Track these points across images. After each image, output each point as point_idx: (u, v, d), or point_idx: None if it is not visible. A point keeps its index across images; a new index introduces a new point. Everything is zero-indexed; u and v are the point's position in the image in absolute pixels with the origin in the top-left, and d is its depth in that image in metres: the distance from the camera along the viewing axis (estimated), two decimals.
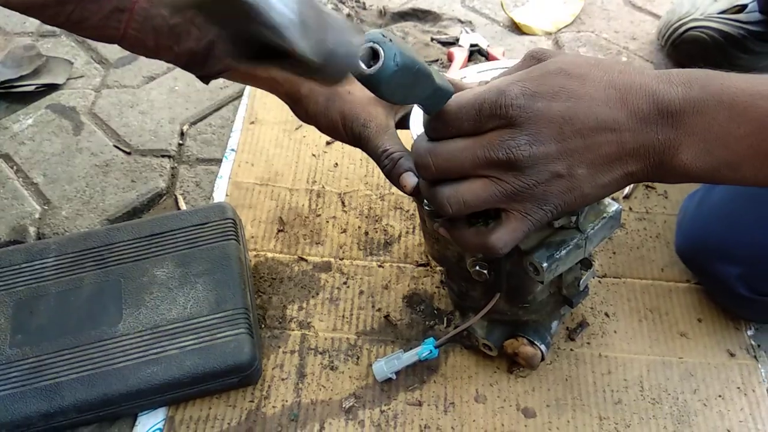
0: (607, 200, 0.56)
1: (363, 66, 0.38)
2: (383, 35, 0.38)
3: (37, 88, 1.00)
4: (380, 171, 0.59)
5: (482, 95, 0.44)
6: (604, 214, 0.55)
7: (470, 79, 0.61)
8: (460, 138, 0.45)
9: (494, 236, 0.46)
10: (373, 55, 0.37)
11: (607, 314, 0.73)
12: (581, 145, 0.43)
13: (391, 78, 0.38)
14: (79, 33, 0.60)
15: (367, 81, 0.38)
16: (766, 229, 0.64)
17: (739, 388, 0.67)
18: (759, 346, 0.71)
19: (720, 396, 0.67)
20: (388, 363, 0.66)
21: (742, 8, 0.95)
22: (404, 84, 0.39)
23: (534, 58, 0.48)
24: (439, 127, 0.45)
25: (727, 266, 0.66)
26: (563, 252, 0.53)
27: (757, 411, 0.66)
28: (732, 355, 0.70)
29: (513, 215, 0.46)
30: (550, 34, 1.07)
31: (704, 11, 0.96)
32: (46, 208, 0.86)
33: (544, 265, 0.53)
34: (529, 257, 0.54)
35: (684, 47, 0.97)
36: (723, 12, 0.95)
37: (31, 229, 0.83)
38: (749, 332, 0.71)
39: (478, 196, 0.45)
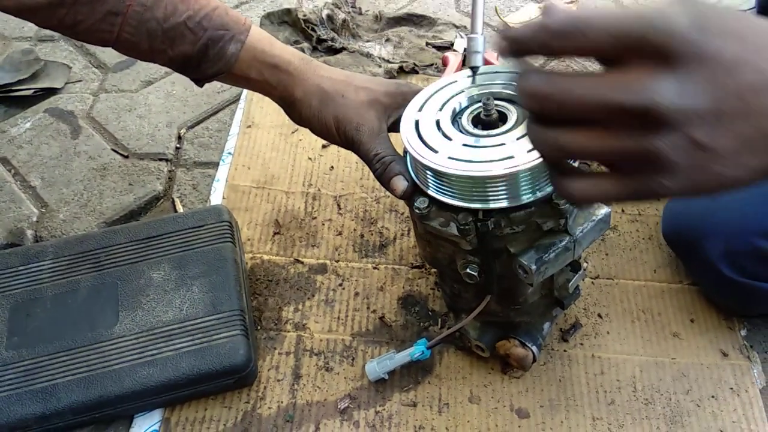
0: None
1: None
2: None
3: (35, 92, 1.00)
4: None
5: (633, 14, 0.33)
6: (594, 217, 0.56)
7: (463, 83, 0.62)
8: (587, 74, 0.35)
9: (579, 184, 0.37)
10: None
11: (600, 315, 0.73)
12: (739, 110, 0.33)
13: None
14: (73, 36, 0.60)
15: None
16: (746, 204, 0.64)
17: (731, 388, 0.67)
18: (752, 346, 0.71)
19: (713, 396, 0.67)
20: (380, 363, 0.67)
21: None
22: None
23: None
24: (567, 41, 0.34)
25: (710, 242, 0.66)
26: (552, 254, 0.54)
27: (750, 411, 0.66)
28: (725, 355, 0.70)
29: (616, 174, 0.36)
30: None
31: None
32: (43, 211, 0.86)
33: (533, 267, 0.53)
34: (518, 259, 0.54)
35: None
36: None
37: (29, 232, 0.83)
38: (742, 332, 0.72)
39: (584, 147, 0.35)
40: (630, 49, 0.33)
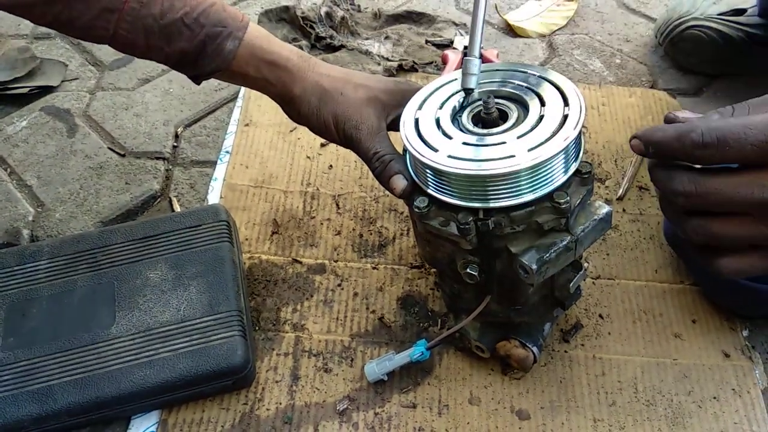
0: (598, 202, 0.56)
1: None
2: None
3: (31, 90, 1.00)
4: None
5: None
6: (595, 216, 0.55)
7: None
8: (730, 171, 0.41)
9: (726, 260, 0.44)
10: None
11: (601, 316, 0.73)
12: None
13: None
14: (68, 33, 0.60)
15: None
16: None
17: (734, 389, 0.67)
18: (754, 347, 0.70)
19: (715, 397, 0.66)
20: (379, 364, 0.66)
21: (741, 11, 0.95)
22: None
23: None
24: (712, 153, 0.41)
25: None
26: (553, 254, 0.53)
27: (752, 413, 0.65)
28: (727, 356, 0.69)
29: (758, 252, 0.43)
30: (544, 36, 1.07)
31: (704, 12, 0.96)
32: (39, 210, 0.85)
33: (534, 267, 0.52)
34: (519, 259, 0.53)
35: (682, 45, 0.97)
36: (722, 14, 0.95)
37: (25, 232, 0.83)
38: (744, 333, 0.71)
39: (729, 232, 0.43)
40: None
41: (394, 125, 0.62)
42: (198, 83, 0.65)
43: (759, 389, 0.67)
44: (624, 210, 0.82)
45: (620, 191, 0.83)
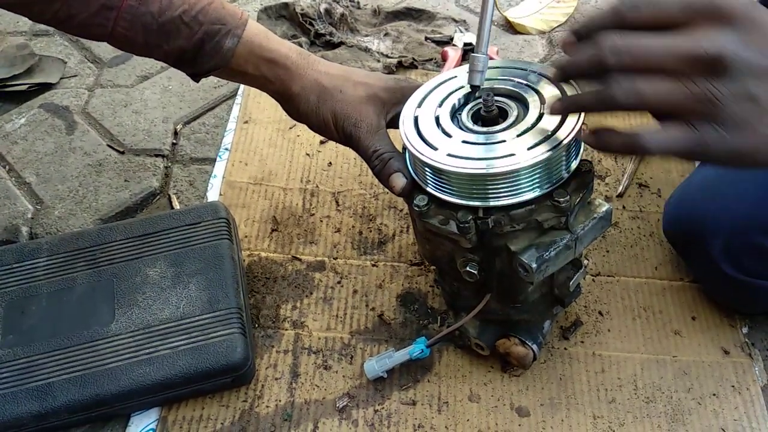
0: (598, 200, 0.56)
1: None
2: None
3: (30, 87, 0.99)
4: None
5: None
6: (595, 215, 0.55)
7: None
8: (659, 31, 0.41)
9: (650, 135, 0.42)
10: None
11: (600, 313, 0.73)
12: None
13: None
14: (67, 30, 0.60)
15: None
16: (747, 201, 0.64)
17: (733, 386, 0.67)
18: (753, 344, 0.71)
19: (714, 394, 0.67)
20: (379, 362, 0.66)
21: None
22: None
23: None
24: (641, 11, 0.42)
25: (711, 240, 0.65)
26: (553, 252, 0.53)
27: (751, 409, 0.65)
28: (726, 353, 0.70)
29: (679, 124, 0.41)
30: (544, 33, 1.06)
31: None
32: (38, 207, 0.85)
33: (534, 265, 0.53)
34: (518, 257, 0.53)
35: None
36: None
37: (24, 229, 0.83)
38: (744, 330, 0.71)
39: (658, 92, 0.41)
40: (697, 13, 0.40)
41: (393, 123, 0.62)
42: (197, 81, 0.64)
43: (758, 386, 0.67)
44: (624, 207, 0.82)
45: (620, 188, 0.83)
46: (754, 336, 0.71)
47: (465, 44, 1.01)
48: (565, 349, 0.70)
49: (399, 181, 0.56)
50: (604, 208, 0.56)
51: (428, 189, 0.55)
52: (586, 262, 0.76)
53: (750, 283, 0.66)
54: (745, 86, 0.39)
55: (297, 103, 0.62)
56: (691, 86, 0.40)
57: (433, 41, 1.04)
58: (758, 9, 0.40)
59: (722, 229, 0.65)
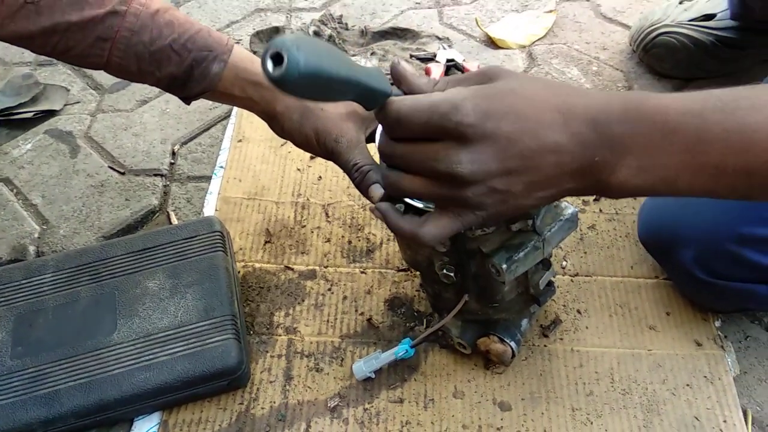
0: (564, 203, 0.60)
1: (269, 67, 0.39)
2: (291, 42, 0.38)
3: (35, 114, 1.04)
4: None
5: (435, 105, 0.45)
6: (561, 217, 0.59)
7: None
8: (410, 141, 0.48)
9: (424, 228, 0.50)
10: (280, 60, 0.39)
11: (579, 311, 0.76)
12: (522, 166, 0.46)
13: (295, 82, 0.39)
14: (67, 61, 0.64)
15: (272, 82, 0.39)
16: (716, 209, 0.66)
17: (706, 377, 0.70)
18: (726, 336, 0.73)
19: (688, 385, 0.70)
20: (366, 363, 0.70)
21: (710, 17, 0.99)
22: (314, 86, 0.41)
23: (487, 76, 0.49)
24: (392, 127, 0.48)
25: (682, 250, 0.68)
26: (522, 254, 0.57)
27: (723, 398, 0.68)
28: (699, 345, 0.72)
29: (446, 213, 0.49)
30: (524, 47, 1.11)
31: (675, 18, 1.00)
32: (44, 227, 0.90)
33: (504, 266, 0.56)
34: (490, 259, 0.57)
35: (655, 51, 1.01)
36: (693, 20, 0.99)
37: (31, 248, 0.87)
38: (716, 324, 0.74)
39: (415, 189, 0.49)
40: (436, 133, 0.45)
41: (372, 137, 0.66)
42: (188, 104, 0.69)
43: (731, 376, 0.70)
44: (601, 210, 0.86)
45: None
46: (727, 329, 0.74)
47: (447, 60, 1.05)
48: (545, 346, 0.73)
49: (377, 191, 0.60)
50: (569, 211, 0.59)
51: (404, 198, 0.59)
52: (564, 263, 0.80)
53: (723, 286, 0.68)
54: (485, 186, 0.46)
55: (281, 122, 0.66)
56: (442, 190, 0.47)
57: (418, 58, 1.08)
58: (485, 119, 0.44)
59: (693, 238, 0.67)
